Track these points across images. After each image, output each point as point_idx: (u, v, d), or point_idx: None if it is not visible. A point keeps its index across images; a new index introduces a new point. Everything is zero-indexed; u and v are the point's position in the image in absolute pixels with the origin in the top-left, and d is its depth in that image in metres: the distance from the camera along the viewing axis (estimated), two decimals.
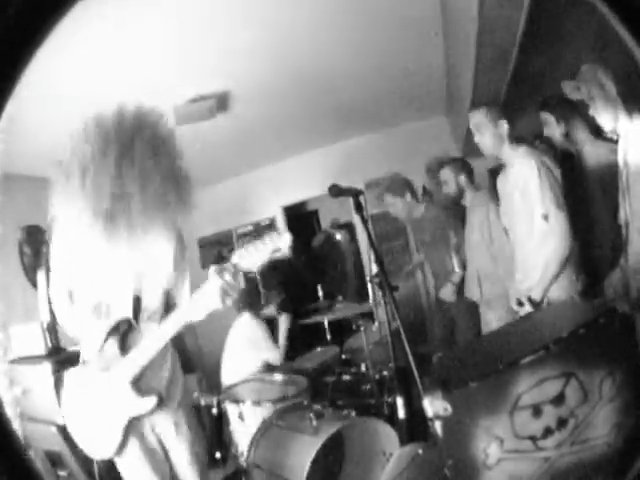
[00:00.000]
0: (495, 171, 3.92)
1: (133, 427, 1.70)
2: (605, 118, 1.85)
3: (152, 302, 1.75)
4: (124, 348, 1.66)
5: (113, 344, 1.64)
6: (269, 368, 3.38)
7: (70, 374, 1.78)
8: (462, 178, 3.23)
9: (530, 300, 2.25)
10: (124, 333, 1.67)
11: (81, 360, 1.77)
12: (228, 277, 1.52)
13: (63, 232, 1.70)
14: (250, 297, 3.56)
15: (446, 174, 3.29)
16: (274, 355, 3.37)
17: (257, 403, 2.55)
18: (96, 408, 1.68)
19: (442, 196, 3.48)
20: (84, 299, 1.71)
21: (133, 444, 1.71)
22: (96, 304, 1.68)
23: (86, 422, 1.70)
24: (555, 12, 2.34)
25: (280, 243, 1.52)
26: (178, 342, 1.92)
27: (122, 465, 1.76)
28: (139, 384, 1.67)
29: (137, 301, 1.71)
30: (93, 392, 1.68)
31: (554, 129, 2.41)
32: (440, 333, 3.64)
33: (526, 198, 2.30)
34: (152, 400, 1.66)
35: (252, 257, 1.52)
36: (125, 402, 1.65)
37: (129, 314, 1.69)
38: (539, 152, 2.35)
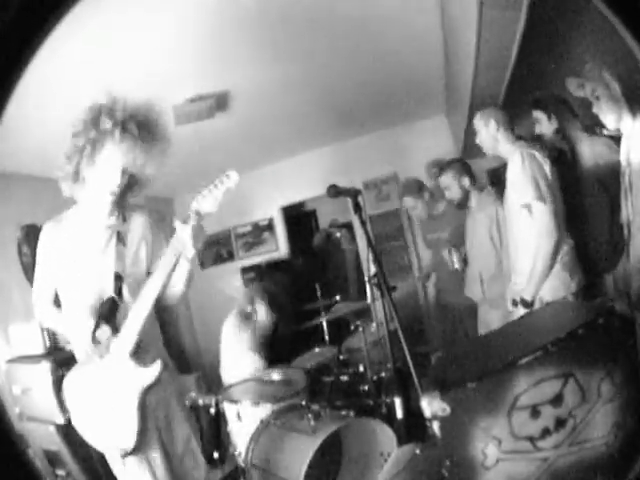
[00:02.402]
0: (494, 172, 3.93)
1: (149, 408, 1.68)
2: (609, 117, 1.84)
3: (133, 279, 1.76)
4: (115, 327, 1.64)
5: (104, 327, 1.62)
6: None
7: (70, 378, 1.74)
8: (465, 180, 3.11)
9: (522, 301, 2.23)
10: (110, 312, 1.65)
11: (78, 360, 1.76)
12: (194, 222, 1.65)
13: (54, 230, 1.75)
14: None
15: (447, 180, 3.16)
16: (257, 364, 3.28)
17: (255, 403, 2.54)
18: (106, 398, 1.63)
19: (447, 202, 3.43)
20: (75, 300, 1.71)
21: None
22: (91, 304, 1.67)
23: (99, 418, 1.65)
24: (555, 12, 2.33)
25: (230, 182, 1.68)
26: (177, 343, 1.91)
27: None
28: (139, 356, 1.64)
29: (118, 278, 1.71)
30: (98, 384, 1.65)
31: (546, 127, 2.38)
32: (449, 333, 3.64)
33: (514, 192, 2.29)
34: (157, 366, 1.63)
35: (209, 199, 1.67)
36: (131, 378, 1.62)
37: (111, 293, 1.68)
38: (528, 145, 2.32)
